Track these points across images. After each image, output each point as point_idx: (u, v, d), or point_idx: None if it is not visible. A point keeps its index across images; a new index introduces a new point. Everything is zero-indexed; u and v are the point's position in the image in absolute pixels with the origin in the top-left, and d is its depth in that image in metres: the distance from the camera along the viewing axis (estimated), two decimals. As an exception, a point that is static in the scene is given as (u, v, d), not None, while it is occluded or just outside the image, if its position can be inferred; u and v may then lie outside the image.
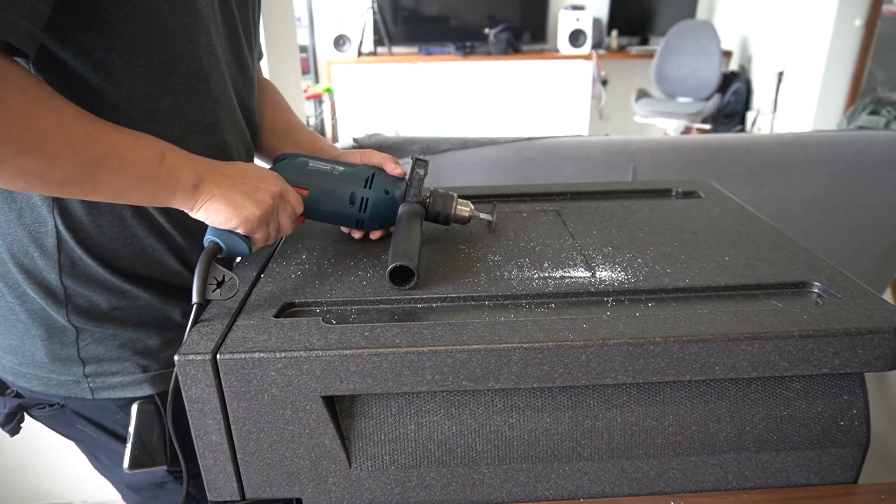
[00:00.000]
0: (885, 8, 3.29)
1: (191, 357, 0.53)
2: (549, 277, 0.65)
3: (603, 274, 0.65)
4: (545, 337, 0.54)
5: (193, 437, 0.56)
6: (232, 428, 0.56)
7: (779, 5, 3.77)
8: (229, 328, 0.57)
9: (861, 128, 2.67)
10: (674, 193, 0.88)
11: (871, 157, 1.59)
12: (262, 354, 0.53)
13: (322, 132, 4.41)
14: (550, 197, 0.88)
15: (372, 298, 0.62)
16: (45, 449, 1.57)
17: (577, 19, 4.27)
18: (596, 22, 4.40)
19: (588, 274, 0.65)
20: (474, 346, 0.53)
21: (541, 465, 0.59)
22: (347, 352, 0.53)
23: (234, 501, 0.59)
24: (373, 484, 0.59)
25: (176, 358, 0.53)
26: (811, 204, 1.64)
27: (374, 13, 4.47)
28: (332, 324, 0.57)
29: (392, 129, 4.38)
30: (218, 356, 0.53)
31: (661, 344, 0.54)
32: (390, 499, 0.60)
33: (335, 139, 4.44)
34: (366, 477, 0.58)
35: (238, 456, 0.57)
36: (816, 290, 0.62)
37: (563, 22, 4.31)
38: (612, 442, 0.58)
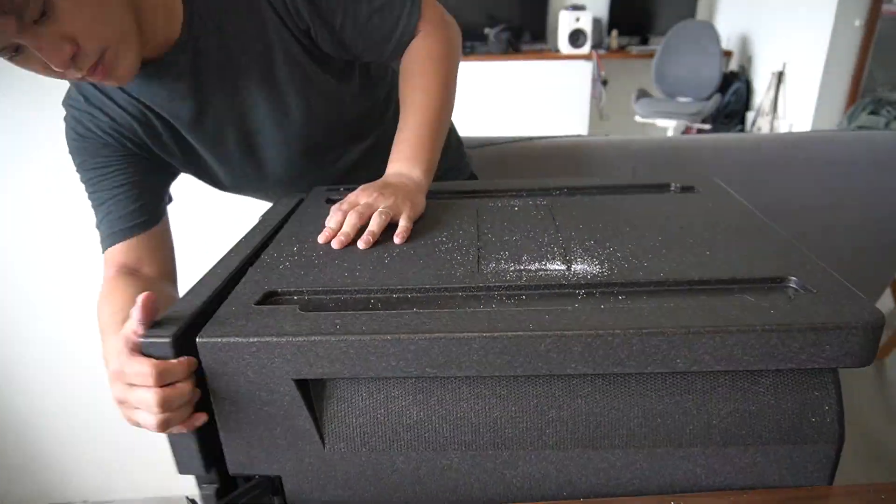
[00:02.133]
0: (885, 8, 3.17)
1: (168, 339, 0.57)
2: (525, 270, 0.66)
3: (578, 267, 0.66)
4: (505, 326, 0.56)
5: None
6: (214, 407, 0.60)
7: (778, 5, 3.68)
8: (211, 314, 0.60)
9: (861, 128, 2.58)
10: (672, 188, 0.87)
11: (871, 157, 1.54)
12: (237, 339, 0.57)
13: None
14: (547, 192, 0.88)
15: (351, 288, 0.65)
16: (45, 449, 1.63)
17: (577, 19, 4.20)
18: (596, 22, 4.33)
19: (563, 267, 0.66)
20: (436, 335, 0.55)
21: (507, 452, 0.60)
22: (316, 338, 0.56)
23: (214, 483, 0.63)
24: (346, 464, 0.62)
25: (165, 341, 0.57)
26: (811, 204, 1.60)
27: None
28: (308, 311, 0.60)
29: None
30: (198, 339, 0.57)
31: (620, 335, 0.55)
32: (364, 479, 0.62)
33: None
34: (339, 458, 0.61)
35: (221, 434, 0.61)
36: (793, 285, 0.61)
37: (563, 22, 4.25)
38: (577, 431, 0.59)
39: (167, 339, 0.56)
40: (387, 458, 0.61)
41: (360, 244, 0.73)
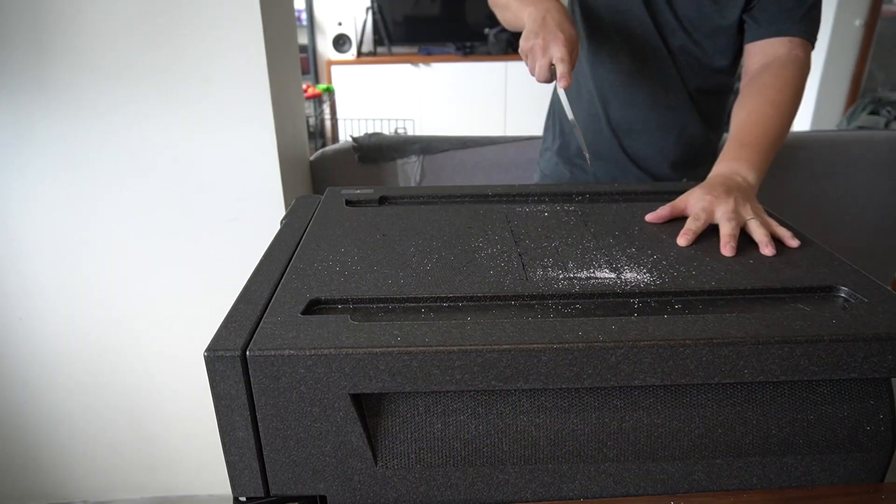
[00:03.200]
0: (885, 8, 3.31)
1: (220, 353, 0.53)
2: (575, 278, 0.65)
3: (628, 275, 0.65)
4: (574, 338, 0.54)
5: (219, 433, 0.56)
6: (259, 425, 0.56)
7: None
8: (257, 325, 0.56)
9: (861, 128, 2.69)
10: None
11: (871, 157, 1.59)
12: (291, 352, 0.53)
13: (322, 132, 4.41)
14: (570, 197, 0.88)
15: (398, 297, 0.62)
16: (44, 448, 1.58)
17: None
18: (596, 23, 4.41)
19: (613, 275, 0.65)
20: (504, 346, 0.53)
21: (566, 466, 0.59)
22: (377, 350, 0.53)
23: (259, 498, 0.59)
24: (398, 482, 0.59)
25: (204, 354, 0.53)
26: (811, 204, 1.65)
27: (374, 13, 4.47)
28: (361, 322, 0.57)
29: (392, 129, 4.37)
30: (247, 353, 0.53)
31: (690, 346, 0.54)
32: (415, 497, 0.59)
33: (335, 139, 4.44)
34: (391, 475, 0.58)
35: (264, 453, 0.57)
36: (843, 295, 0.62)
37: (564, 23, 4.31)
38: (639, 443, 0.58)
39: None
40: (441, 474, 0.59)
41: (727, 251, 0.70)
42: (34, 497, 1.66)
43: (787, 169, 1.60)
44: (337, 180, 1.74)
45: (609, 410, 0.58)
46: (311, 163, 1.69)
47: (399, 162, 1.78)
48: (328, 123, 4.45)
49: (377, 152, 1.77)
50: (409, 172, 1.80)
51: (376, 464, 0.58)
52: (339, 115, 4.41)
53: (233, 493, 0.58)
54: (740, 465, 0.59)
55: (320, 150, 1.75)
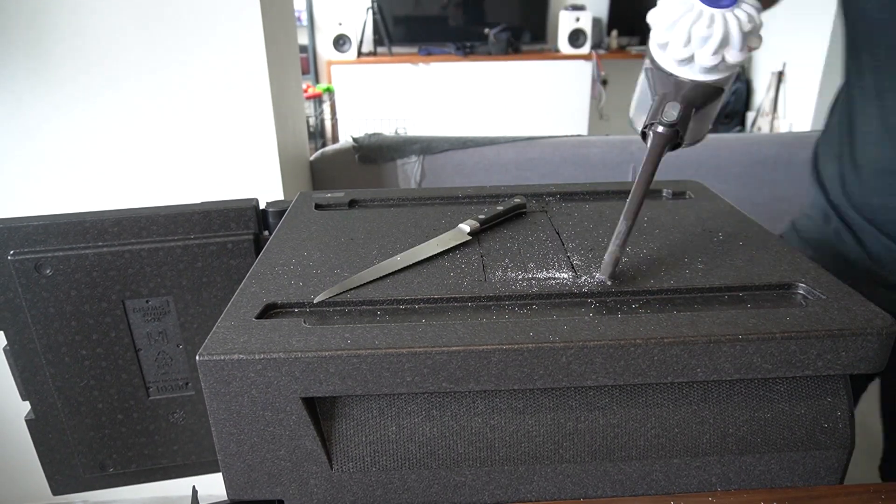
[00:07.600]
0: (886, 8, 3.28)
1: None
2: (533, 279, 0.65)
3: (587, 275, 0.65)
4: (525, 338, 0.54)
5: (174, 438, 0.56)
6: (212, 429, 0.56)
7: (778, 5, 3.78)
8: (210, 329, 0.57)
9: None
10: (664, 194, 0.87)
11: (870, 157, 1.58)
12: (241, 356, 0.53)
13: (322, 132, 4.42)
14: (540, 197, 0.87)
15: (354, 300, 0.62)
16: None
17: (577, 19, 4.28)
18: (596, 22, 4.41)
19: (572, 275, 0.65)
20: (454, 348, 0.53)
21: (523, 467, 0.59)
22: (326, 353, 0.53)
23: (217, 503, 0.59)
24: (354, 486, 0.59)
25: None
26: (811, 204, 1.63)
27: (373, 13, 4.48)
28: (313, 325, 0.57)
29: (392, 129, 4.38)
30: (198, 357, 0.53)
31: (641, 346, 0.54)
32: (372, 500, 0.59)
33: (335, 139, 4.45)
34: (347, 479, 0.58)
35: (219, 457, 0.57)
36: (801, 292, 0.62)
37: (563, 22, 4.32)
38: (595, 444, 0.58)
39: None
40: (397, 477, 0.59)
41: None
42: (34, 497, 1.67)
43: (787, 169, 1.58)
44: (337, 180, 1.75)
45: (564, 411, 0.58)
46: (311, 163, 1.70)
47: (399, 162, 1.78)
48: (328, 123, 4.46)
49: (377, 152, 1.77)
50: (409, 172, 1.81)
51: (332, 467, 0.58)
52: (339, 115, 4.42)
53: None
54: (698, 464, 0.59)
55: (320, 150, 1.76)
